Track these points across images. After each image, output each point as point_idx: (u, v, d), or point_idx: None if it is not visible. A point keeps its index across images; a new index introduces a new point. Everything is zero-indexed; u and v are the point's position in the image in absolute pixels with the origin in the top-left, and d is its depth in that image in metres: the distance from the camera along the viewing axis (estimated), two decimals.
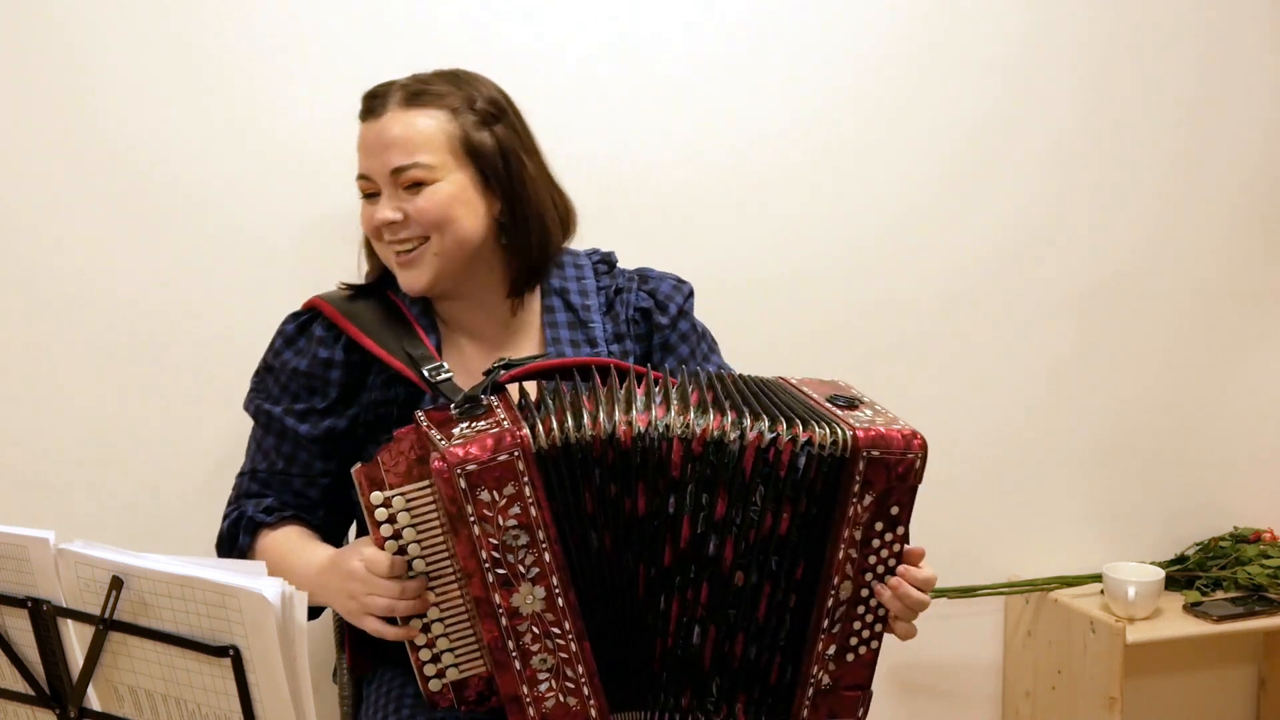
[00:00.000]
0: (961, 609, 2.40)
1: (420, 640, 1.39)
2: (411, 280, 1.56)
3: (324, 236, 1.98)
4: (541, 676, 1.36)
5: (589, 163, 2.10)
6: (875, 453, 1.36)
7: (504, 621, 1.34)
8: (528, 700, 1.36)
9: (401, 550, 1.36)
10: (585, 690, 1.37)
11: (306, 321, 1.61)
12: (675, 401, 1.38)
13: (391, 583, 1.35)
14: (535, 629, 1.35)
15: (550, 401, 1.39)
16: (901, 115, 2.26)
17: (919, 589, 1.41)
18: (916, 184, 2.28)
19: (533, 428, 1.33)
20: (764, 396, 1.42)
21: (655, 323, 1.66)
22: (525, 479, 1.32)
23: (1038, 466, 2.43)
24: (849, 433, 1.36)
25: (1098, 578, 2.34)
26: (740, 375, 1.49)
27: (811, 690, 1.41)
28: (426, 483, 1.35)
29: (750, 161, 2.20)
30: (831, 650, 1.40)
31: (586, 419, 1.35)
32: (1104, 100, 2.37)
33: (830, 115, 2.22)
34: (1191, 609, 2.30)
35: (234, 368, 1.96)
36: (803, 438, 1.36)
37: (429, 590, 1.37)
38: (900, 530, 1.40)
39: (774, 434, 1.36)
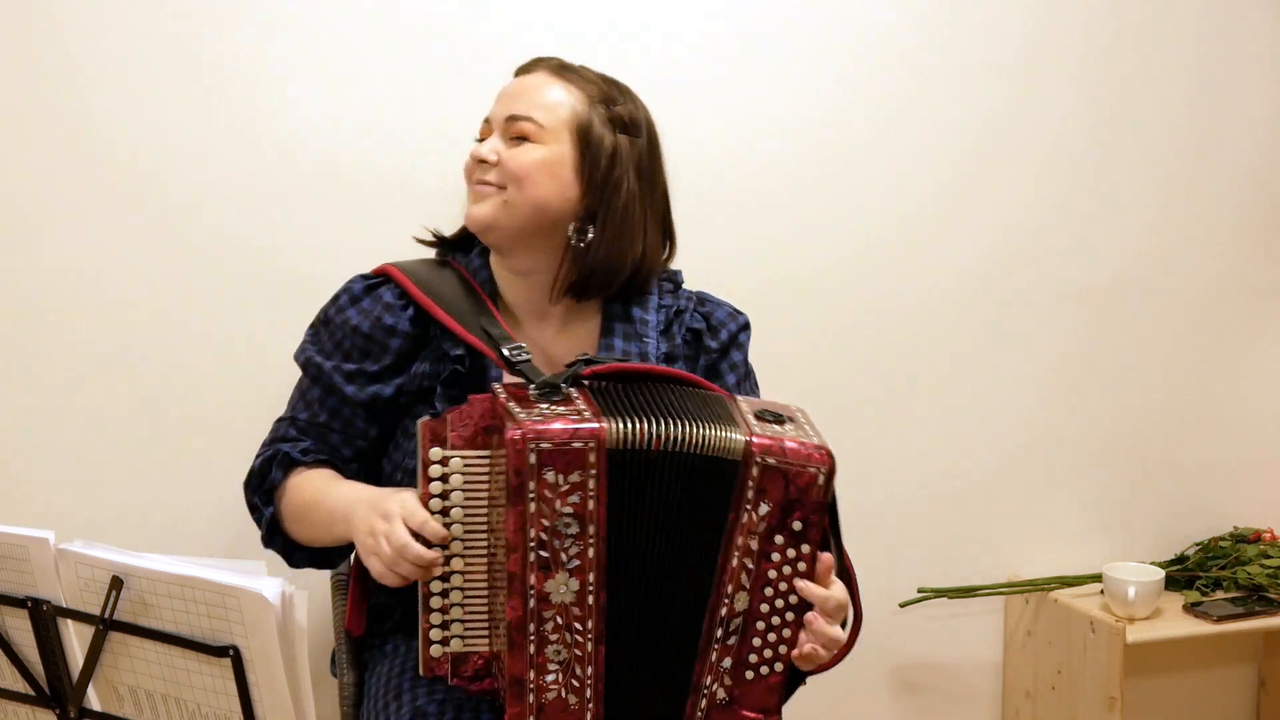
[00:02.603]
0: (961, 609, 2.40)
1: (435, 603, 1.38)
2: (475, 212, 1.57)
3: (325, 241, 1.98)
4: (551, 668, 1.36)
5: None
6: (770, 460, 1.35)
7: (531, 603, 1.34)
8: (530, 686, 1.36)
9: (444, 512, 1.37)
10: (588, 693, 1.37)
11: (375, 285, 1.61)
12: (670, 413, 1.39)
13: (408, 537, 1.34)
14: (559, 619, 1.35)
15: (629, 402, 1.39)
16: (902, 117, 2.26)
17: (827, 618, 1.39)
18: (918, 185, 2.28)
19: (613, 424, 1.34)
20: (706, 407, 1.43)
21: (704, 345, 1.66)
22: (593, 471, 1.33)
23: (1038, 467, 2.43)
24: (744, 438, 1.36)
25: (1098, 578, 2.34)
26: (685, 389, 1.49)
27: (704, 701, 1.39)
28: (486, 453, 1.36)
29: (752, 163, 2.20)
30: (727, 662, 1.39)
31: (652, 426, 1.36)
32: (1105, 101, 2.37)
33: (832, 117, 2.22)
34: (1191, 609, 2.30)
35: (234, 370, 1.97)
36: (716, 440, 1.36)
37: (457, 557, 1.37)
38: (806, 549, 1.37)
39: (706, 439, 1.36)
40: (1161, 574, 2.29)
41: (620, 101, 1.61)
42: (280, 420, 1.63)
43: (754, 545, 1.37)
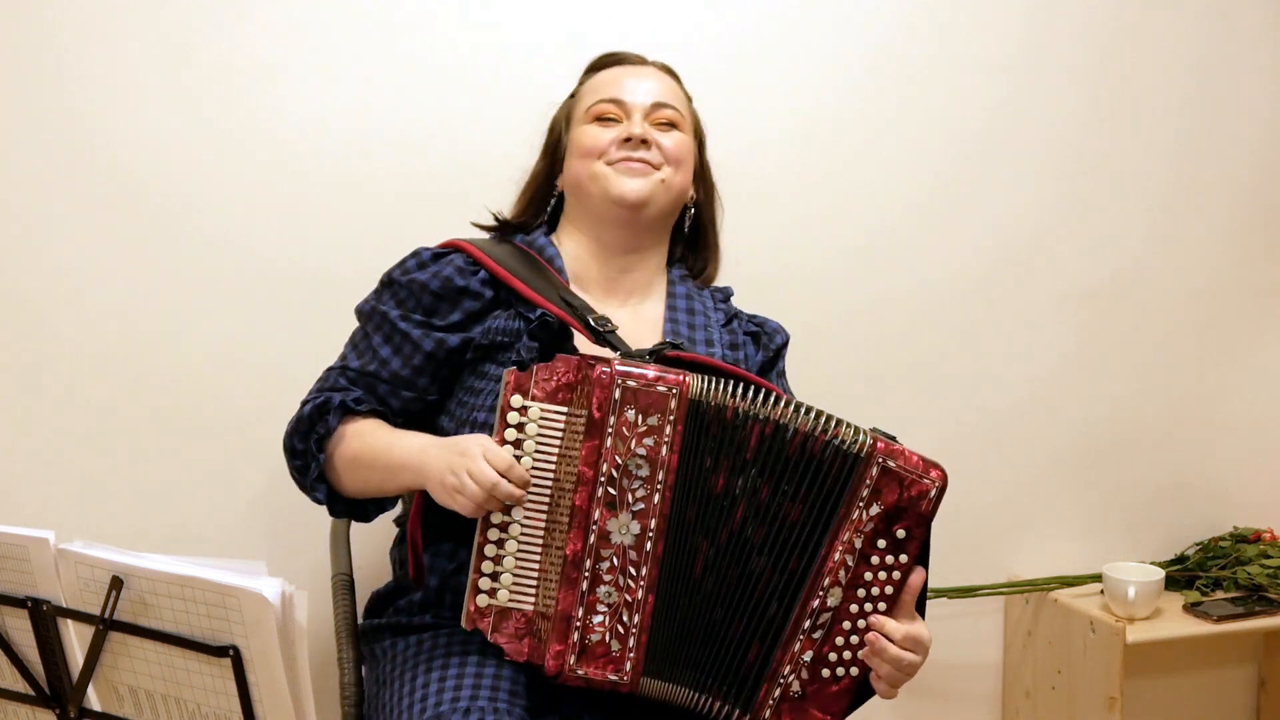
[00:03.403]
0: (961, 609, 2.40)
1: (490, 551, 1.39)
2: (633, 185, 1.62)
3: (326, 242, 1.98)
4: (600, 609, 1.38)
5: None
6: (891, 464, 1.39)
7: (591, 539, 1.38)
8: (577, 624, 1.38)
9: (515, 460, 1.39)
10: (631, 641, 1.39)
11: (444, 254, 1.62)
12: (773, 396, 1.43)
13: (493, 473, 1.37)
14: (616, 560, 1.38)
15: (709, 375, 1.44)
16: (900, 116, 2.26)
17: (904, 649, 1.41)
18: (917, 184, 2.29)
19: (696, 381, 1.40)
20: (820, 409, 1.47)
21: (761, 343, 1.72)
22: (671, 417, 1.38)
23: (1038, 466, 2.43)
24: (870, 440, 1.40)
25: (1098, 578, 2.34)
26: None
27: (779, 690, 1.41)
28: (565, 409, 1.39)
29: (750, 162, 2.20)
30: (808, 656, 1.40)
31: (737, 388, 1.40)
32: (1105, 100, 2.37)
33: (829, 116, 2.22)
34: (1191, 609, 2.30)
35: (234, 370, 1.97)
36: (833, 430, 1.40)
37: (518, 508, 1.39)
38: (903, 559, 1.40)
39: (814, 425, 1.40)
40: (1161, 574, 2.29)
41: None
42: (330, 369, 1.62)
43: (858, 544, 1.40)
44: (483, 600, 1.39)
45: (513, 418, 1.39)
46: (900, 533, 1.40)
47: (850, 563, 1.40)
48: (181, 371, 1.96)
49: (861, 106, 2.24)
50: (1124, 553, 2.44)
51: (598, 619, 1.38)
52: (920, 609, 1.47)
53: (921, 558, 1.43)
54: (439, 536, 1.52)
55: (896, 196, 2.28)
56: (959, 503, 2.37)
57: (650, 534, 1.38)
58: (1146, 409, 2.48)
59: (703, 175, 1.74)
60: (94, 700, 1.22)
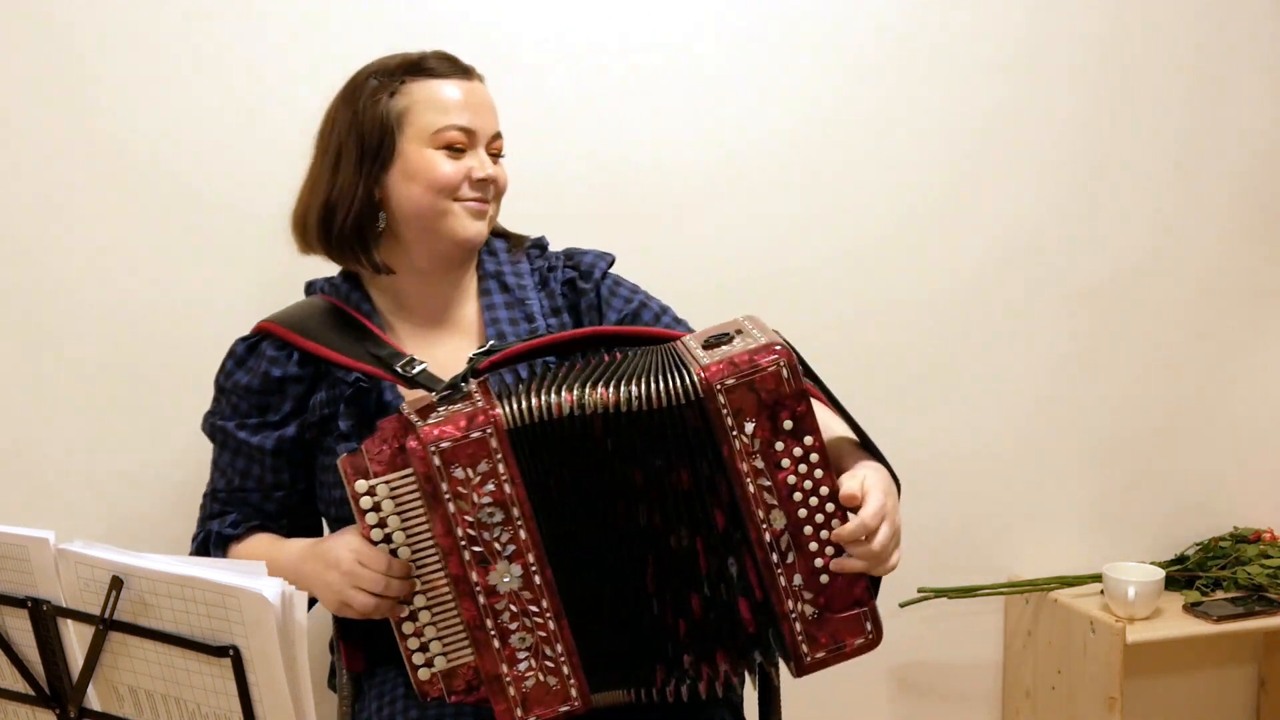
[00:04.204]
0: (961, 609, 2.40)
1: (408, 629, 1.40)
2: (477, 228, 1.60)
3: None
4: (520, 656, 1.37)
5: (590, 163, 2.10)
6: (730, 381, 1.35)
7: (481, 600, 1.36)
8: (508, 679, 1.37)
9: (387, 539, 1.38)
10: (565, 670, 1.37)
11: (255, 342, 1.63)
12: (594, 378, 1.39)
13: (377, 576, 1.37)
14: (513, 607, 1.36)
15: (524, 382, 1.42)
16: (901, 116, 2.26)
17: (873, 533, 1.36)
18: (916, 184, 2.28)
19: (506, 407, 1.36)
20: (631, 363, 1.43)
21: (580, 288, 1.68)
22: (498, 456, 1.34)
23: (1038, 466, 2.43)
24: (697, 376, 1.36)
25: (1098, 578, 2.34)
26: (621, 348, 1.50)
27: (799, 624, 1.38)
28: (409, 470, 1.37)
29: (752, 162, 2.20)
30: (798, 580, 1.37)
31: (549, 398, 1.37)
32: (1105, 101, 2.37)
33: (831, 115, 2.22)
34: (1191, 609, 2.30)
35: None
36: (670, 390, 1.36)
37: (415, 578, 1.39)
38: (809, 440, 1.36)
39: (650, 395, 1.36)
40: (1161, 574, 2.29)
41: None
42: (205, 496, 1.65)
43: (759, 464, 1.36)
44: (424, 674, 1.40)
45: (365, 503, 1.38)
46: (788, 423, 1.35)
47: (767, 482, 1.36)
48: (183, 371, 1.96)
49: (861, 107, 2.24)
50: (1124, 553, 2.44)
51: (523, 665, 1.37)
52: (867, 446, 1.47)
53: (833, 403, 1.44)
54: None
55: (896, 197, 2.28)
56: (959, 503, 2.38)
57: (533, 567, 1.36)
58: (1147, 409, 2.47)
59: None
60: (94, 700, 1.22)
